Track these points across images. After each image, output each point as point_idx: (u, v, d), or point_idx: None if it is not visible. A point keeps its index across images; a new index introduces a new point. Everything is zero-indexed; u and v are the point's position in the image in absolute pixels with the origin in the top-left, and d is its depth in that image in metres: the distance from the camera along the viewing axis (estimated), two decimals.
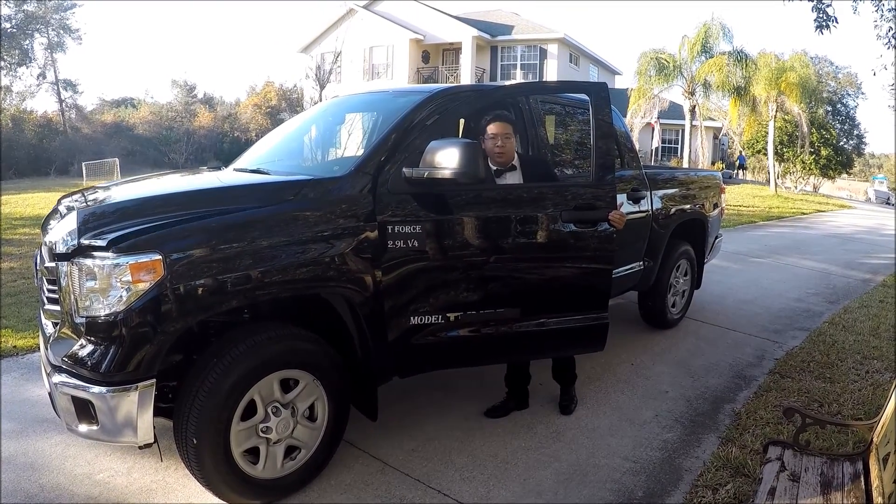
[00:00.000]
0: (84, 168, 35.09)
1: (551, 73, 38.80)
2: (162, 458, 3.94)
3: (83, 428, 3.23)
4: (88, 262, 3.07)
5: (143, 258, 3.01)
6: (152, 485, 3.86)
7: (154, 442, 3.25)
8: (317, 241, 3.49)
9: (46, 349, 3.47)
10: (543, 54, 39.40)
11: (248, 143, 44.99)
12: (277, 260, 3.34)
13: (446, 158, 3.65)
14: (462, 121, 5.19)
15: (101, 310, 3.07)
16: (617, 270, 5.70)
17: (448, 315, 3.98)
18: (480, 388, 5.14)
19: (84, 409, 3.17)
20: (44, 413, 4.71)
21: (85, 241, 3.12)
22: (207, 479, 3.31)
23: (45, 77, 38.84)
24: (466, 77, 38.35)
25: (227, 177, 4.56)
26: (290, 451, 3.62)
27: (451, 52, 40.61)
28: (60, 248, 3.23)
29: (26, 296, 8.11)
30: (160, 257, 3.03)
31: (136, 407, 3.07)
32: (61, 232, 3.31)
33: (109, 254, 3.03)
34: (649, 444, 4.43)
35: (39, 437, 4.46)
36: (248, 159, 5.13)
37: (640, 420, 4.77)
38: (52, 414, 4.44)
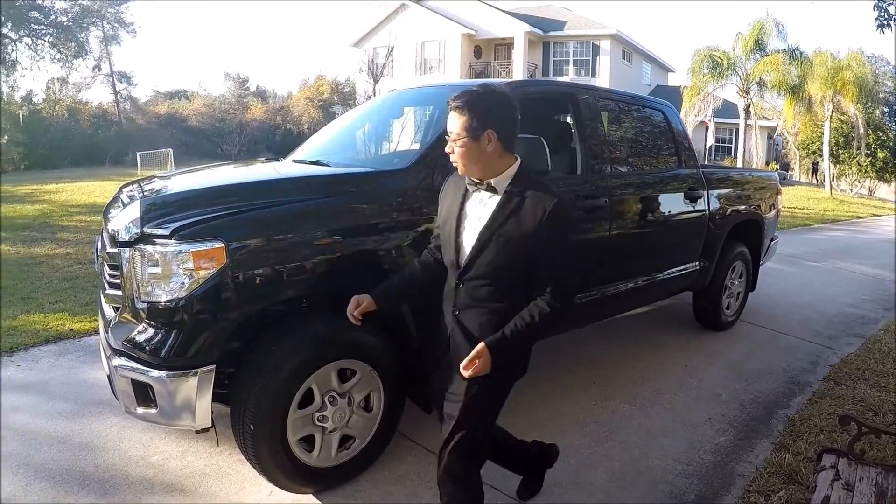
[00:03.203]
0: (138, 158, 35.70)
1: (604, 70, 38.53)
2: (218, 442, 3.97)
3: (141, 410, 3.27)
4: (151, 248, 3.12)
5: (206, 246, 3.04)
6: (206, 469, 3.90)
7: (211, 426, 3.29)
8: (377, 232, 3.51)
9: (107, 333, 3.52)
10: (596, 50, 39.08)
11: (300, 136, 45.75)
12: (339, 250, 3.37)
13: None
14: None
15: (163, 296, 3.11)
16: (673, 270, 5.68)
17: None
18: (528, 384, 5.11)
19: (143, 393, 3.22)
20: (100, 395, 4.79)
21: (148, 229, 3.16)
22: (262, 465, 3.34)
23: (100, 69, 39.65)
24: (519, 73, 38.23)
25: (286, 168, 4.60)
26: (345, 440, 3.63)
27: (503, 47, 40.47)
28: (123, 236, 3.27)
29: (82, 280, 8.26)
30: (222, 245, 3.06)
31: (194, 392, 3.11)
32: (124, 220, 3.35)
33: (172, 241, 3.07)
34: (702, 447, 4.37)
35: (95, 418, 4.53)
36: (306, 151, 5.17)
37: (694, 422, 4.71)
38: (108, 396, 4.52)
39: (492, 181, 2.70)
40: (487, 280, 2.71)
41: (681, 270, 5.84)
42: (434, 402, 3.13)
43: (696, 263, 6.07)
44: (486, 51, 41.01)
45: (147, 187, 4.06)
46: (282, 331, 3.36)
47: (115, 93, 49.08)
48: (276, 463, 3.33)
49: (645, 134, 5.78)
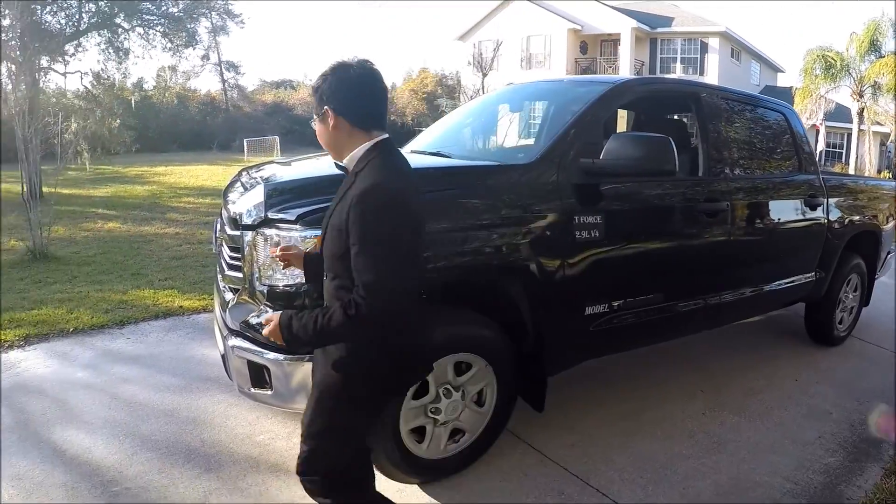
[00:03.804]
0: (245, 144, 36.80)
1: (712, 68, 37.67)
2: None
3: (255, 391, 3.32)
4: (274, 233, 3.15)
5: None
6: None
7: None
8: (500, 227, 3.47)
9: (224, 313, 3.57)
10: (704, 48, 38.26)
11: (404, 127, 46.25)
12: (461, 244, 3.34)
13: (634, 151, 3.60)
14: (626, 114, 5.10)
15: (284, 280, 3.15)
16: (788, 279, 5.50)
17: (628, 300, 4.08)
18: (637, 387, 5.02)
19: (259, 374, 3.26)
20: (208, 372, 4.90)
21: (272, 214, 3.20)
22: (372, 453, 3.33)
23: (208, 58, 40.97)
24: (625, 70, 37.74)
25: (409, 158, 4.55)
26: (454, 433, 3.61)
27: (610, 43, 39.96)
28: (246, 219, 3.31)
29: (191, 260, 8.49)
30: None
31: (310, 376, 3.10)
32: (247, 204, 3.39)
33: (297, 226, 3.09)
34: (811, 466, 4.19)
35: (203, 394, 4.65)
36: (424, 141, 5.17)
37: (803, 440, 4.53)
38: (216, 373, 4.63)
39: (344, 162, 2.49)
40: (333, 273, 2.42)
41: (796, 280, 5.63)
42: None
43: (812, 274, 5.85)
44: (592, 46, 40.53)
45: (267, 172, 4.10)
46: None
47: (223, 81, 50.85)
48: (386, 452, 3.33)
49: (765, 136, 5.59)
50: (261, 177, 3.93)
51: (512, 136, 5.28)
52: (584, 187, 3.77)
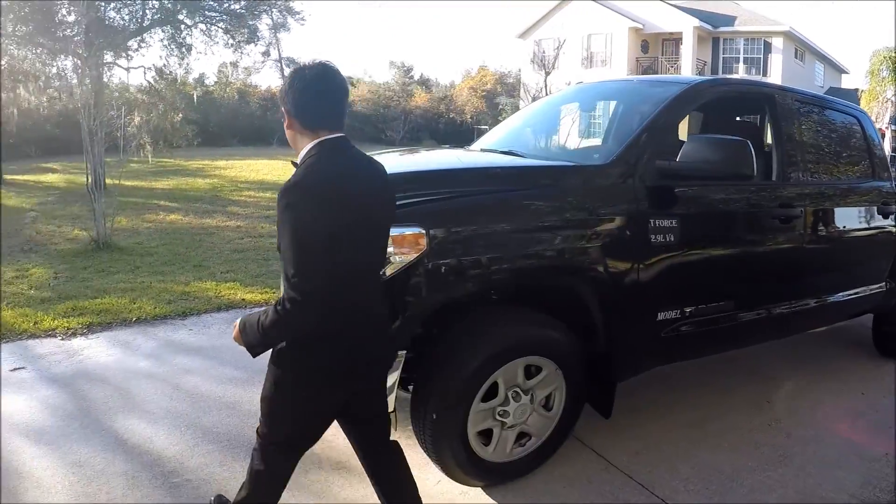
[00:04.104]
0: None
1: (775, 69, 36.95)
2: (396, 427, 3.93)
3: None
4: None
5: (407, 231, 3.02)
6: None
7: (393, 412, 3.27)
8: (574, 228, 3.44)
9: None
10: (767, 48, 37.55)
11: (463, 125, 46.45)
12: (536, 245, 3.31)
13: (712, 154, 3.54)
14: (697, 115, 5.01)
15: None
16: (858, 289, 5.36)
17: (699, 307, 4.02)
18: (702, 395, 4.93)
19: None
20: None
21: None
22: (438, 455, 3.32)
23: (268, 55, 41.39)
24: (687, 69, 37.19)
25: (479, 156, 4.57)
26: (521, 437, 3.57)
27: (671, 42, 39.42)
28: None
29: (252, 253, 8.57)
30: (423, 231, 3.04)
31: None
32: None
33: None
34: (878, 484, 4.05)
35: None
36: (493, 140, 5.14)
37: (870, 456, 4.37)
38: None
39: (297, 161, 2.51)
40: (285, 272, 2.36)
41: (866, 291, 5.47)
42: None
43: (883, 284, 5.67)
44: (654, 46, 40.01)
45: None
46: (472, 321, 3.33)
47: (283, 77, 51.12)
48: (453, 453, 3.30)
49: (838, 140, 5.45)
50: None
51: (583, 135, 5.23)
52: (659, 189, 3.71)
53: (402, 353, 3.12)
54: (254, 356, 2.55)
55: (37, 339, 5.96)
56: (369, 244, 2.51)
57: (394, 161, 4.27)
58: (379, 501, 2.92)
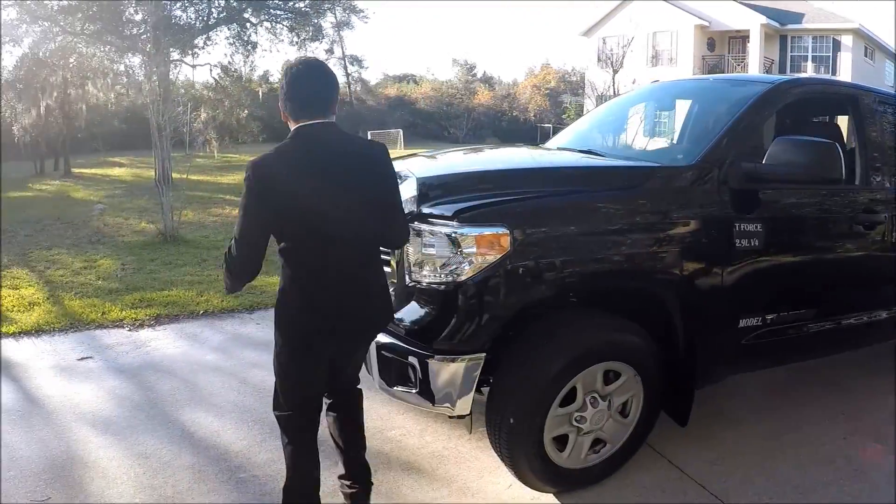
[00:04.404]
0: (369, 136, 37.51)
1: (845, 68, 35.97)
2: (471, 430, 3.71)
3: (398, 389, 3.26)
4: (429, 228, 3.09)
5: (491, 231, 2.97)
6: (444, 451, 3.88)
7: (468, 414, 3.22)
8: (659, 231, 3.35)
9: None
10: (836, 46, 36.55)
11: (526, 123, 46.53)
12: (619, 247, 3.23)
13: (800, 156, 3.42)
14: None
15: (437, 277, 3.08)
16: None
17: (781, 314, 3.89)
18: (774, 406, 4.78)
19: (402, 372, 3.20)
20: None
21: (427, 209, 3.14)
22: (512, 459, 3.24)
23: (332, 52, 42.02)
24: (754, 68, 36.44)
25: (557, 156, 4.50)
26: (595, 443, 3.49)
27: (738, 40, 38.61)
28: None
29: None
30: (507, 232, 2.97)
31: (460, 378, 3.04)
32: None
33: (454, 223, 3.01)
34: None
35: None
36: (568, 139, 5.06)
37: None
38: None
39: None
40: None
41: None
42: None
43: None
44: (720, 44, 39.24)
45: (415, 165, 4.04)
46: (553, 325, 3.26)
47: (347, 75, 52.07)
48: (527, 458, 3.22)
49: None
50: (410, 169, 3.85)
51: (661, 136, 5.11)
52: (744, 192, 3.59)
53: (482, 355, 3.06)
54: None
55: (104, 329, 6.08)
56: (346, 215, 2.69)
57: (473, 159, 4.24)
58: None
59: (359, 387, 3.25)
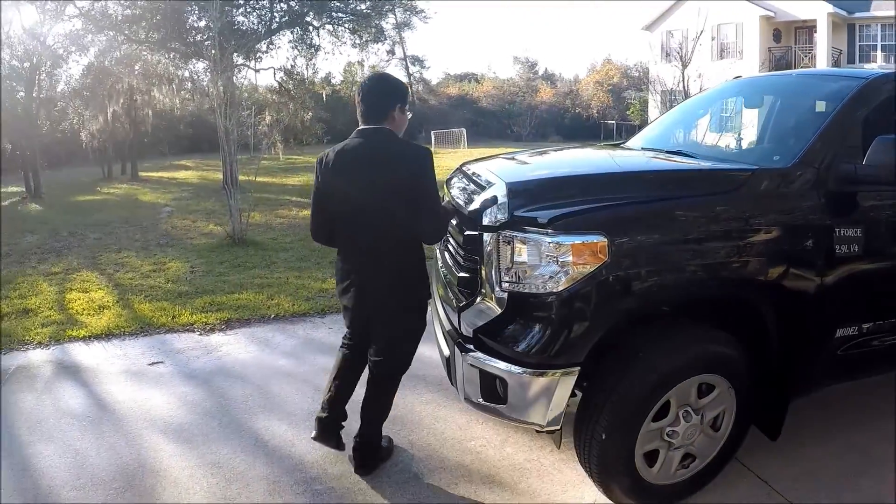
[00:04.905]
0: (433, 136, 37.99)
1: None
2: (560, 445, 3.68)
3: (484, 402, 3.17)
4: (521, 236, 2.99)
5: (590, 239, 2.87)
6: (526, 464, 3.80)
7: (559, 429, 3.12)
8: (756, 237, 3.20)
9: (452, 315, 3.47)
10: None
11: (589, 120, 46.52)
12: (715, 255, 3.11)
13: None
14: None
15: (531, 287, 2.98)
16: None
17: (877, 323, 3.70)
18: (865, 416, 4.58)
19: (491, 385, 3.11)
20: (414, 368, 4.77)
21: (519, 215, 3.04)
22: (601, 475, 3.16)
23: (394, 53, 42.24)
24: (822, 59, 35.20)
25: (644, 158, 4.39)
26: (684, 458, 3.38)
27: (804, 30, 37.36)
28: (486, 219, 3.17)
29: None
30: (605, 240, 2.87)
31: (552, 393, 2.95)
32: (486, 202, 3.25)
33: (549, 231, 2.92)
34: None
35: (411, 392, 4.56)
36: (650, 138, 4.95)
37: None
38: (422, 371, 4.54)
39: None
40: None
41: None
42: None
43: None
44: (786, 34, 38.06)
45: (499, 168, 3.94)
46: (648, 336, 3.15)
47: (409, 75, 52.38)
48: (617, 474, 3.14)
49: None
50: (496, 174, 3.73)
51: (749, 133, 4.93)
52: (843, 196, 3.42)
53: (576, 369, 2.98)
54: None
55: (175, 333, 6.10)
56: (365, 202, 3.38)
57: (558, 161, 4.13)
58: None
59: (379, 372, 3.74)
